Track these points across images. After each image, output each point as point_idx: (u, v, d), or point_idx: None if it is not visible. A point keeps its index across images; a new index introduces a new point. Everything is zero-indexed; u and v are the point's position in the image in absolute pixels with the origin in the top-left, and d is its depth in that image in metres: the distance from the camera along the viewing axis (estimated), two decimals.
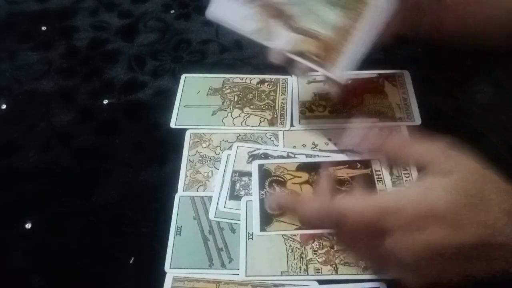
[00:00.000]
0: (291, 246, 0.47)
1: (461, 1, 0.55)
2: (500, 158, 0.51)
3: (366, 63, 0.61)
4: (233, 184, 0.52)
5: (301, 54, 0.46)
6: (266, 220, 0.49)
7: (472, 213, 0.35)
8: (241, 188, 0.51)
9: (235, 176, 0.52)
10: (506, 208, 0.35)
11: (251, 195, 0.50)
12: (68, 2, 0.73)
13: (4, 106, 0.61)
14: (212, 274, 0.46)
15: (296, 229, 0.48)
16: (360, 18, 0.44)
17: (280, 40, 0.45)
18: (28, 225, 0.50)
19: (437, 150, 0.37)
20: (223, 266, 0.47)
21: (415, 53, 0.62)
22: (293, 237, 0.48)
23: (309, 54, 0.45)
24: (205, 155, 0.55)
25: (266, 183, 0.51)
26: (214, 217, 0.50)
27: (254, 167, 0.52)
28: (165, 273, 0.46)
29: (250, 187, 0.51)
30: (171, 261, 0.47)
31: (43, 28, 0.70)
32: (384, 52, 0.63)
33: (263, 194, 0.50)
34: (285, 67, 0.49)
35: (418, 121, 0.56)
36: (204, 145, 0.56)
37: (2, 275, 0.47)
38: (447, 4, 0.54)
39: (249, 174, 0.52)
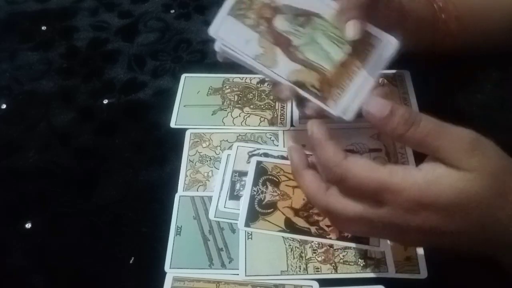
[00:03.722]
0: (290, 245, 0.47)
1: (466, 10, 0.55)
2: None
3: None
4: (233, 184, 0.52)
5: (301, 85, 0.45)
6: (253, 216, 0.49)
7: (474, 216, 0.35)
8: (241, 188, 0.51)
9: (235, 176, 0.52)
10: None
11: None
12: (68, 2, 0.73)
13: (4, 106, 0.61)
14: (212, 274, 0.46)
15: (279, 231, 0.48)
16: (367, 59, 0.44)
17: (282, 68, 0.45)
18: (28, 225, 0.50)
19: (463, 144, 0.36)
20: (223, 266, 0.47)
21: (415, 53, 0.62)
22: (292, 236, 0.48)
23: (310, 86, 0.45)
24: (205, 155, 0.55)
25: (260, 181, 0.51)
26: (214, 217, 0.50)
27: (252, 163, 0.53)
28: (165, 273, 0.46)
29: None
30: (171, 261, 0.47)
31: (43, 28, 0.70)
32: None
33: (254, 191, 0.50)
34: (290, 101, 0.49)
35: None
36: (204, 145, 0.56)
37: (2, 275, 0.47)
38: (450, 17, 0.54)
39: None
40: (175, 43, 0.67)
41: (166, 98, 0.60)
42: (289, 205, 0.50)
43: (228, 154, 0.54)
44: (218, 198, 0.51)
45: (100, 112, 0.60)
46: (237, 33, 0.44)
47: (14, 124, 0.59)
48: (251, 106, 0.59)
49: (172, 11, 0.71)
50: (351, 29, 0.42)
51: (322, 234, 0.48)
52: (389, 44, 0.44)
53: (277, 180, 0.51)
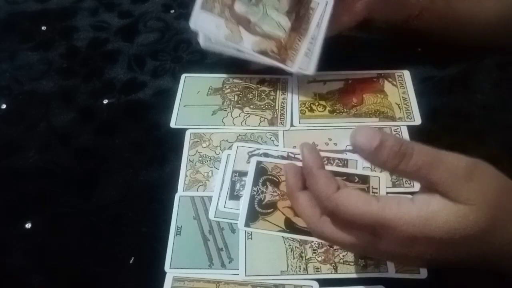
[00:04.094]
0: (290, 245, 0.47)
1: None
2: (500, 158, 0.51)
3: (366, 63, 0.61)
4: (233, 184, 0.52)
5: (264, 52, 0.55)
6: (253, 216, 0.49)
7: (471, 248, 0.35)
8: (241, 188, 0.51)
9: (235, 176, 0.52)
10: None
11: None
12: (68, 2, 0.73)
13: (4, 106, 0.61)
14: (212, 274, 0.46)
15: (279, 231, 0.48)
16: (310, 21, 0.53)
17: (246, 42, 0.55)
18: (28, 225, 0.50)
19: (458, 175, 0.34)
20: (223, 266, 0.47)
21: (415, 53, 0.62)
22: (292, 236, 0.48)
23: (270, 52, 0.54)
24: (205, 155, 0.55)
25: (260, 181, 0.51)
26: (214, 217, 0.50)
27: (252, 163, 0.53)
28: (165, 273, 0.46)
29: None
30: (171, 261, 0.47)
31: (43, 28, 0.70)
32: (384, 52, 0.63)
33: (254, 191, 0.50)
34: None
35: (418, 121, 0.56)
36: (204, 145, 0.56)
37: (2, 275, 0.47)
38: None
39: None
40: (175, 43, 0.67)
41: (166, 98, 0.60)
42: (289, 205, 0.49)
43: (228, 154, 0.54)
44: (218, 198, 0.51)
45: (100, 112, 0.60)
46: (209, 21, 0.55)
47: (14, 124, 0.59)
48: (251, 106, 0.59)
49: (172, 11, 0.71)
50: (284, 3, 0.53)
51: None
52: (326, 4, 0.52)
53: (277, 180, 0.51)
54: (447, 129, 0.55)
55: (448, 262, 0.37)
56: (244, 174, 0.52)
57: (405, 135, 0.55)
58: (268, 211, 0.49)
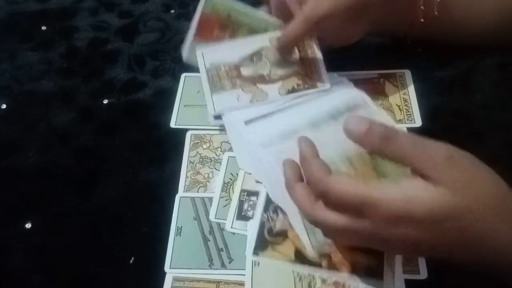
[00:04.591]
0: (298, 273, 0.45)
1: None
2: (500, 158, 0.51)
3: (366, 63, 0.61)
4: (241, 203, 0.50)
5: (294, 90, 0.56)
6: (262, 245, 0.47)
7: (450, 230, 0.36)
8: (249, 208, 0.50)
9: (244, 195, 0.51)
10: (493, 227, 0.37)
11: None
12: (68, 2, 0.73)
13: (4, 106, 0.61)
14: (212, 274, 0.46)
15: (289, 261, 0.46)
16: (310, 44, 0.58)
17: (273, 92, 0.56)
18: (28, 225, 0.50)
19: (439, 159, 0.37)
20: (223, 266, 0.47)
21: (415, 53, 0.62)
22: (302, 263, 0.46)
23: (297, 86, 0.56)
24: (206, 156, 0.55)
25: (271, 207, 0.49)
26: (215, 218, 0.50)
27: (263, 189, 0.51)
28: (165, 273, 0.46)
29: None
30: (171, 261, 0.47)
31: (43, 28, 0.70)
32: (384, 52, 0.63)
33: (265, 217, 0.49)
34: None
35: (418, 122, 0.56)
36: (204, 146, 0.56)
37: (2, 275, 0.47)
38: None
39: (257, 193, 0.51)
40: (175, 43, 0.66)
41: (166, 98, 0.60)
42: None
43: (228, 156, 0.54)
44: (218, 200, 0.51)
45: (100, 112, 0.60)
46: (227, 98, 0.55)
47: (14, 124, 0.59)
48: None
49: (172, 11, 0.71)
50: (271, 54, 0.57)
51: (333, 267, 0.46)
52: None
53: None
54: (447, 129, 0.55)
55: (430, 250, 0.38)
56: (252, 193, 0.51)
57: (409, 138, 0.54)
58: (278, 239, 0.47)
